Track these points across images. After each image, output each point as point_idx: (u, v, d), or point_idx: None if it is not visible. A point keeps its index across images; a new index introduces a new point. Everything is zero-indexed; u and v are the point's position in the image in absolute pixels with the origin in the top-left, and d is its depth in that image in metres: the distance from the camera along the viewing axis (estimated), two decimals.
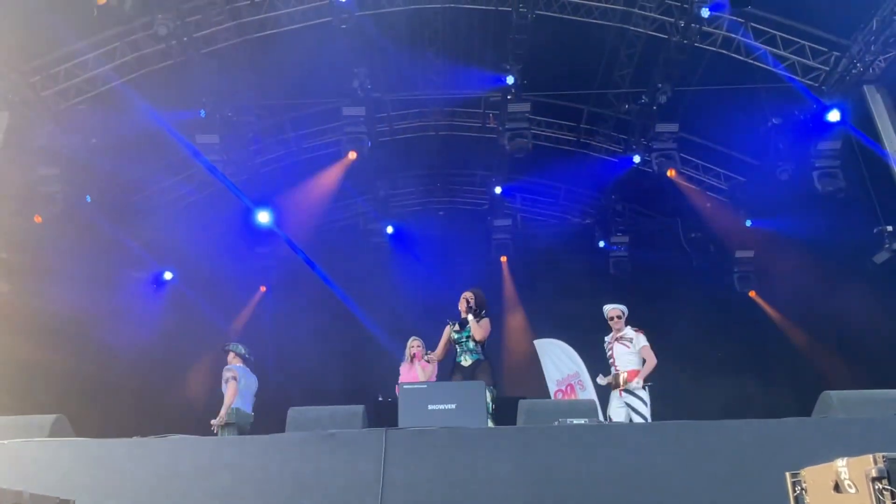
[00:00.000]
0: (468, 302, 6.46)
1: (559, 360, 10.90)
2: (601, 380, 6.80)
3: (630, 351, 6.57)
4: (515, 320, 13.60)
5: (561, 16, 10.34)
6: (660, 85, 10.56)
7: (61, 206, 10.09)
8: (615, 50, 11.32)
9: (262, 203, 12.32)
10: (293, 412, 4.73)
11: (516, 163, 12.19)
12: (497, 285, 13.85)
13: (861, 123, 9.74)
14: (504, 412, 6.09)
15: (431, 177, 14.80)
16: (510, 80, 10.63)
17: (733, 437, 4.22)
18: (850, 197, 9.99)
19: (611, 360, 6.71)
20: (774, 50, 10.02)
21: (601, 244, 14.22)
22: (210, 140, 10.61)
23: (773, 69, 9.98)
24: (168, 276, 12.91)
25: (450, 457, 4.15)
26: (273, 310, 13.54)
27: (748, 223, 12.65)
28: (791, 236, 11.34)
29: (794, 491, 2.62)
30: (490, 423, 5.78)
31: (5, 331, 9.09)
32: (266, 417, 7.21)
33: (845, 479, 2.27)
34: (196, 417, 8.90)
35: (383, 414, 7.25)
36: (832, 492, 2.34)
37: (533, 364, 11.57)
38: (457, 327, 6.47)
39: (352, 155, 10.93)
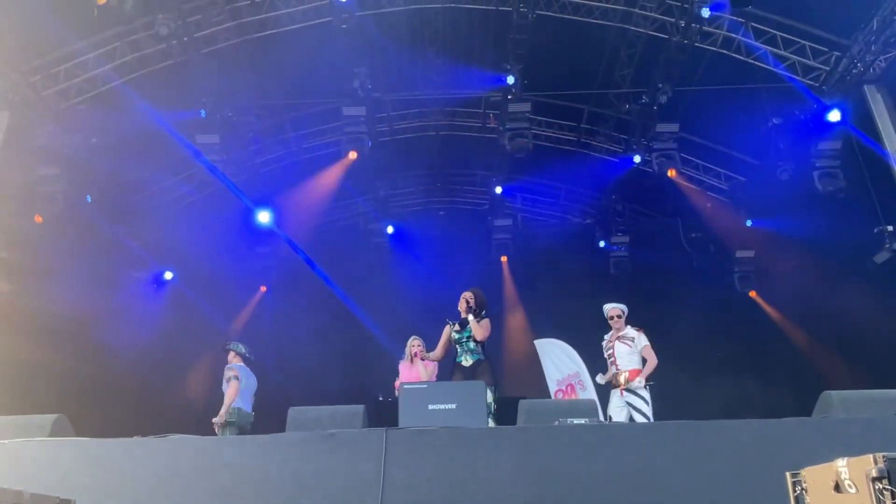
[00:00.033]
0: (468, 302, 6.46)
1: (559, 360, 10.90)
2: (601, 379, 6.80)
3: (632, 350, 6.58)
4: (516, 320, 13.60)
5: (561, 16, 10.34)
6: (660, 85, 10.56)
7: (61, 205, 10.09)
8: (616, 50, 11.32)
9: (263, 203, 12.32)
10: (293, 412, 4.73)
11: (517, 163, 12.19)
12: (497, 285, 13.85)
13: (861, 123, 9.74)
14: (504, 412, 6.09)
15: (432, 177, 14.80)
16: (511, 79, 10.63)
17: (733, 437, 4.21)
18: (850, 197, 9.99)
19: (611, 360, 6.70)
20: (775, 50, 10.02)
21: (601, 244, 14.22)
22: (210, 140, 10.61)
23: (774, 69, 9.98)
24: (168, 275, 12.91)
25: (450, 457, 4.15)
26: (273, 310, 13.55)
27: (748, 223, 12.65)
28: (791, 236, 11.35)
29: (795, 491, 2.62)
30: (492, 423, 5.78)
31: (5, 331, 9.09)
32: (266, 417, 7.21)
33: (845, 479, 2.26)
34: (196, 417, 8.91)
35: (383, 414, 7.23)
36: (832, 492, 2.34)
37: (533, 364, 11.56)
38: (457, 327, 6.47)
39: (352, 155, 10.94)
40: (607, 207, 14.28)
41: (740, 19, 9.86)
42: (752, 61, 10.12)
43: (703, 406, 10.01)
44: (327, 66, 10.36)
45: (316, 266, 13.05)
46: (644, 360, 6.54)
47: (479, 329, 6.31)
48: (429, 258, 13.69)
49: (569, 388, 10.49)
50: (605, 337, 6.91)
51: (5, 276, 9.50)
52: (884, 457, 2.11)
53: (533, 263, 13.89)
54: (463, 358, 6.34)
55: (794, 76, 10.07)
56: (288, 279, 13.52)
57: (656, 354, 6.53)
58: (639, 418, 6.28)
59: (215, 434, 7.04)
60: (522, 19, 9.75)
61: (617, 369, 6.59)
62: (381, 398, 8.26)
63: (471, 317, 6.37)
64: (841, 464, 2.30)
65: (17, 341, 9.09)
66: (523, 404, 4.85)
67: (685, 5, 9.64)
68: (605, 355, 6.84)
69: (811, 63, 10.02)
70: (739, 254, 12.97)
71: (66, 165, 10.13)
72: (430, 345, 7.00)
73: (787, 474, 2.69)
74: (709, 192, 13.03)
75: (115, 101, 10.20)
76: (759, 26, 9.98)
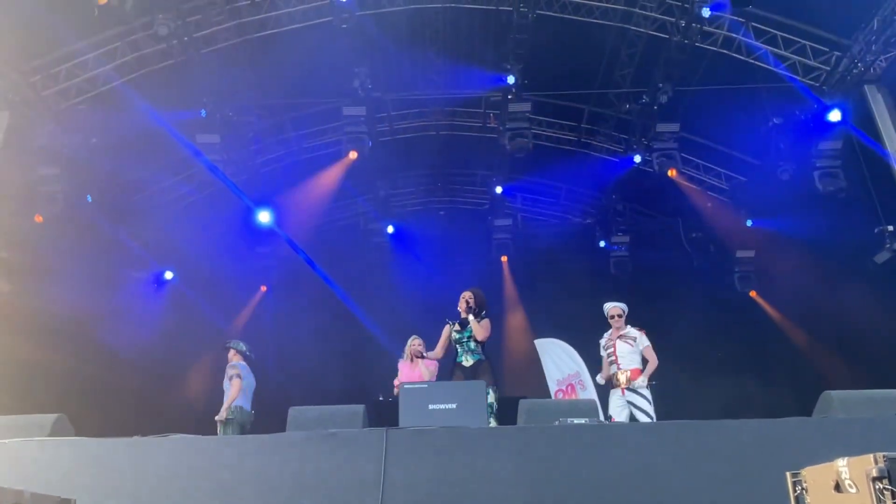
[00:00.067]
0: (468, 302, 6.46)
1: (560, 360, 10.90)
2: (601, 378, 6.80)
3: (633, 349, 6.58)
4: (516, 320, 13.59)
5: (562, 15, 10.33)
6: (661, 85, 10.56)
7: (62, 205, 10.09)
8: (616, 50, 11.31)
9: (263, 203, 12.32)
10: (293, 412, 4.72)
11: (517, 162, 12.19)
12: (497, 285, 13.84)
13: (862, 123, 9.74)
14: (504, 412, 6.10)
15: (432, 176, 14.79)
16: (511, 79, 10.62)
17: (733, 437, 4.21)
18: (850, 197, 9.99)
19: (612, 359, 6.70)
20: (775, 50, 10.02)
21: (602, 244, 14.21)
22: (210, 140, 10.61)
23: (774, 69, 9.98)
24: (168, 275, 12.91)
25: (450, 456, 4.15)
26: (273, 310, 13.54)
27: (749, 223, 12.65)
28: (792, 236, 11.34)
29: (795, 491, 2.62)
30: (493, 423, 5.79)
31: (5, 331, 9.09)
32: (266, 417, 7.21)
33: (846, 478, 2.26)
34: (196, 417, 8.91)
35: (383, 414, 7.23)
36: (833, 492, 2.34)
37: (533, 364, 11.56)
38: (457, 327, 6.47)
39: (352, 155, 10.93)
40: (608, 207, 14.27)
41: (741, 19, 9.86)
42: (752, 61, 10.12)
43: (703, 406, 10.00)
44: (327, 66, 10.35)
45: (316, 266, 13.05)
46: (644, 360, 6.55)
47: (481, 329, 6.32)
48: (429, 258, 13.69)
49: (569, 387, 10.48)
50: (605, 335, 6.91)
51: (5, 276, 9.50)
52: (884, 456, 2.11)
53: (533, 263, 13.88)
54: (463, 358, 6.35)
55: (795, 76, 10.07)
56: (288, 279, 13.52)
57: (656, 354, 6.54)
58: (641, 417, 6.28)
59: (216, 432, 7.06)
60: (523, 19, 9.75)
61: (618, 368, 6.59)
62: (381, 398, 8.26)
63: (471, 317, 6.38)
64: (841, 464, 2.30)
65: (17, 341, 9.09)
66: (523, 404, 4.85)
67: (685, 5, 9.63)
68: (605, 353, 6.82)
69: (811, 63, 10.02)
70: (740, 254, 12.97)
71: (66, 165, 10.13)
72: (430, 345, 7.00)
73: (788, 474, 2.69)
74: (709, 192, 13.02)
75: (115, 101, 10.20)
76: (759, 26, 9.98)
